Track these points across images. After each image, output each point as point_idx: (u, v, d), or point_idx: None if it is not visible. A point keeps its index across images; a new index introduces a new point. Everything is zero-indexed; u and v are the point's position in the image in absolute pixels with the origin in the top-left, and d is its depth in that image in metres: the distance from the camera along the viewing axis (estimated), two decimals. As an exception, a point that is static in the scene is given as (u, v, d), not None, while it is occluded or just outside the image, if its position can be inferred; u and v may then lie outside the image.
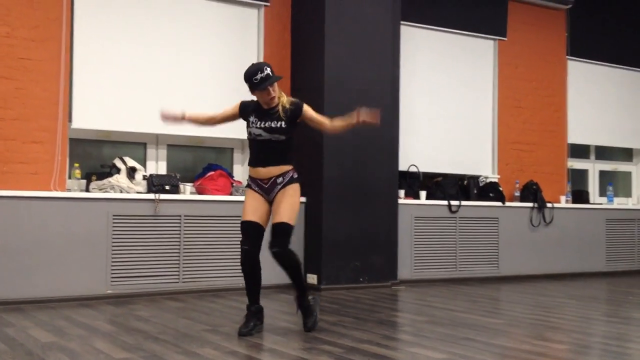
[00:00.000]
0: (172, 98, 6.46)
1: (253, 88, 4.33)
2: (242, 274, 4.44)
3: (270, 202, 4.43)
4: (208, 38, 6.69)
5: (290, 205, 4.36)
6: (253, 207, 4.40)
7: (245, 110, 4.46)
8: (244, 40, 6.88)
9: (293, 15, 7.07)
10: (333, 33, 6.65)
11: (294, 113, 4.40)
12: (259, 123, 4.36)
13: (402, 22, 7.34)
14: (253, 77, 4.30)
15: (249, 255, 4.35)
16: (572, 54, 8.94)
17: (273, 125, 4.35)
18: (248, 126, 4.42)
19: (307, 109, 4.48)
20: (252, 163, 4.46)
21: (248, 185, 4.50)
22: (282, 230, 4.32)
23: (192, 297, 5.95)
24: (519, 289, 7.12)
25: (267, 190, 4.41)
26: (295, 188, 4.44)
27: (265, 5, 6.92)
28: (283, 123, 4.35)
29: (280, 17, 7.02)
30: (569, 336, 4.61)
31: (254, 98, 4.47)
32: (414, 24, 7.75)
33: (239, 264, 4.42)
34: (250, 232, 4.37)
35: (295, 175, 4.47)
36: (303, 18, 6.95)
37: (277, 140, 4.36)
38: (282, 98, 4.41)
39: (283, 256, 4.33)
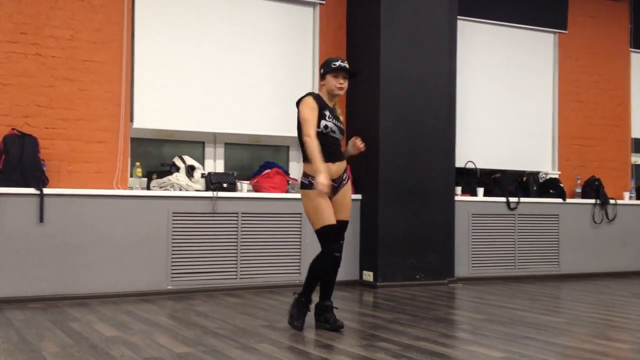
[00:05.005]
0: (229, 97, 6.57)
1: (329, 70, 4.39)
2: (319, 273, 4.40)
3: (330, 198, 4.40)
4: (264, 37, 6.76)
5: (350, 200, 4.54)
6: (331, 209, 4.35)
7: (320, 102, 4.40)
8: (300, 38, 6.92)
9: (348, 12, 7.07)
10: (388, 30, 6.63)
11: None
12: (333, 120, 4.40)
13: (458, 17, 7.26)
14: (333, 61, 4.41)
15: (338, 261, 4.39)
16: (636, 47, 8.69)
17: (341, 126, 4.48)
18: (323, 118, 4.33)
19: None
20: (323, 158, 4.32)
21: (313, 186, 4.24)
22: (345, 227, 4.50)
23: (249, 293, 6.03)
24: (580, 287, 6.97)
25: (336, 189, 4.41)
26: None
27: (320, 4, 6.95)
28: (342, 127, 4.55)
29: (335, 15, 7.04)
30: (633, 335, 4.49)
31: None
32: (471, 19, 7.66)
33: (321, 263, 4.37)
34: (337, 236, 4.38)
35: None
36: (358, 15, 6.95)
37: (340, 140, 4.49)
38: (338, 108, 4.55)
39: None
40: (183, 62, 6.39)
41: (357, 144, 4.59)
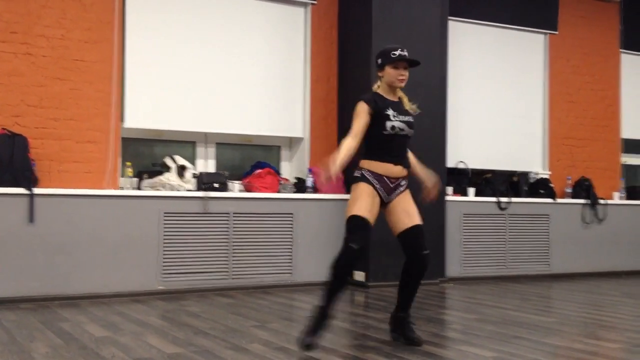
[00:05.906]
0: (220, 97, 6.56)
1: (389, 60, 4.04)
2: (337, 270, 3.83)
3: (385, 204, 4.08)
4: (256, 37, 6.75)
5: (416, 208, 4.15)
6: (370, 205, 3.96)
7: (377, 104, 4.01)
8: (291, 38, 6.92)
9: (340, 12, 7.07)
10: (380, 30, 6.63)
11: (415, 112, 4.22)
12: (399, 117, 4.04)
13: (450, 18, 7.28)
14: (392, 50, 4.05)
15: (356, 256, 3.85)
16: (626, 47, 8.73)
17: (411, 120, 4.11)
18: (387, 119, 3.99)
19: None
20: (381, 158, 4.04)
21: (364, 179, 4.02)
22: (422, 232, 4.10)
23: (241, 293, 6.02)
24: (570, 287, 7.00)
25: (390, 190, 4.08)
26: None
27: (312, 4, 6.95)
28: (413, 119, 4.16)
29: (327, 15, 7.04)
30: (623, 335, 4.51)
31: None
32: (463, 20, 7.67)
33: (339, 262, 3.86)
34: (363, 230, 3.91)
35: None
36: (350, 15, 6.95)
37: (410, 136, 4.14)
38: (404, 97, 4.21)
39: (429, 259, 4.11)
40: (174, 61, 6.38)
41: (431, 193, 4.35)
